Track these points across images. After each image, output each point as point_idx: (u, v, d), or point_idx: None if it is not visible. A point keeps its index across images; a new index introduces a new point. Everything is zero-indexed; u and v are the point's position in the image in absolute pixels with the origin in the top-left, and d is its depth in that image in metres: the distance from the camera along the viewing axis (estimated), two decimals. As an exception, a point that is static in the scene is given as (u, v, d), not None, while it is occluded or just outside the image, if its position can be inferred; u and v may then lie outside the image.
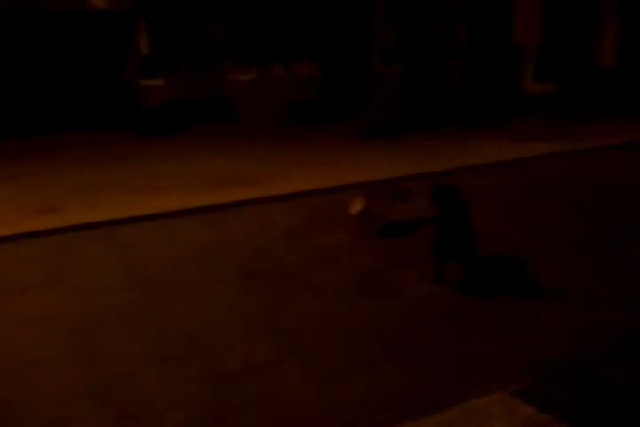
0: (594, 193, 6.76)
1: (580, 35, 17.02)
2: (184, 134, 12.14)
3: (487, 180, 7.58)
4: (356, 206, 5.74)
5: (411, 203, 5.74)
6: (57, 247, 5.73)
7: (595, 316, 3.87)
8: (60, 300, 4.52)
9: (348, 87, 14.85)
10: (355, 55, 15.07)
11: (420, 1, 15.34)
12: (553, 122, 11.99)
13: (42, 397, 3.27)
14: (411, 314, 4.03)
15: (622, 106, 13.67)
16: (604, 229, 5.52)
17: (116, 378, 3.42)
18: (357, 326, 3.90)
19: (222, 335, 3.85)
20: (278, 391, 3.23)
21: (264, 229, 6.00)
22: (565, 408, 2.98)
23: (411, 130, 11.57)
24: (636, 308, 3.95)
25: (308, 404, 3.11)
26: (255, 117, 13.71)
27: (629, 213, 6.00)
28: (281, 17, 14.52)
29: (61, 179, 8.37)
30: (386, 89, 14.77)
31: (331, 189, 7.37)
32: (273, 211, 6.65)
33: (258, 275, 4.79)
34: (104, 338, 3.90)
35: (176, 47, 13.80)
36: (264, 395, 3.20)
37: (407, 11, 15.20)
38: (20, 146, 11.03)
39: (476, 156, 8.82)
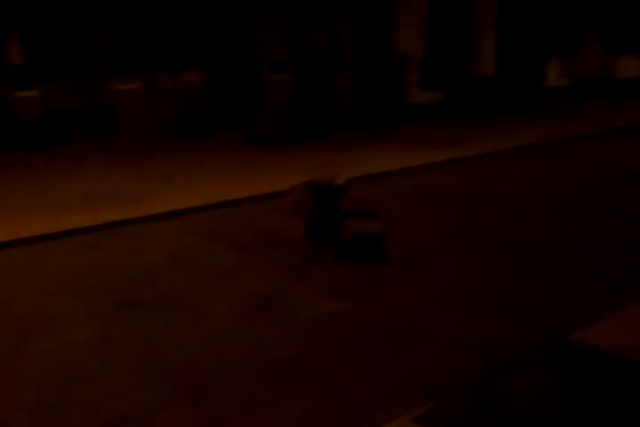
0: (487, 199, 6.87)
1: (462, 45, 17.66)
2: (61, 148, 11.39)
3: (381, 189, 7.55)
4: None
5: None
6: None
7: (488, 328, 3.82)
8: None
9: (238, 96, 14.57)
10: (243, 64, 14.80)
11: (308, 12, 15.34)
12: (440, 129, 12.28)
13: None
14: (304, 338, 3.80)
15: (502, 111, 14.39)
16: (499, 236, 5.57)
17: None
18: (249, 355, 3.62)
19: (99, 377, 3.46)
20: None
21: (147, 253, 5.58)
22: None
23: (303, 139, 11.45)
24: (529, 317, 3.94)
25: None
26: (139, 129, 13.14)
27: (523, 218, 6.12)
28: (166, 24, 14.01)
29: None
30: (277, 98, 14.64)
31: (219, 205, 7.06)
32: (157, 231, 6.24)
33: (139, 305, 4.41)
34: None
35: (52, 56, 12.98)
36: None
37: (295, 21, 15.15)
38: None
39: (369, 165, 8.79)
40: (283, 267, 5.05)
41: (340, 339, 3.76)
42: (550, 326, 3.80)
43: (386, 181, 7.96)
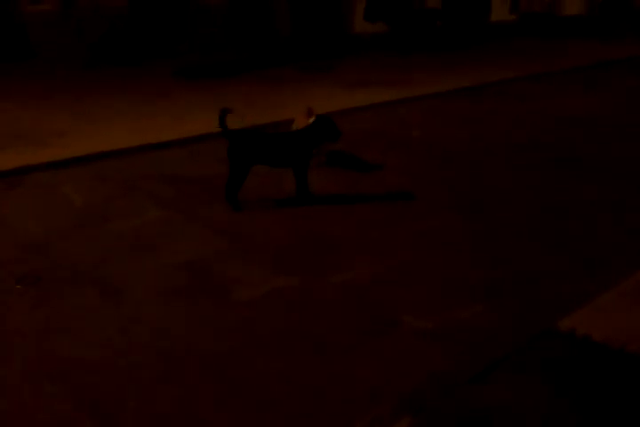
0: (439, 145, 6.21)
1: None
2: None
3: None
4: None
5: None
6: None
7: (460, 311, 3.23)
8: None
9: (164, 20, 13.17)
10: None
11: None
12: (384, 65, 11.42)
13: None
14: (240, 326, 3.10)
15: (447, 46, 13.72)
16: (456, 189, 4.95)
17: None
18: (171, 350, 2.90)
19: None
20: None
21: (50, 210, 4.64)
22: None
23: (237, 72, 10.40)
24: (506, 297, 3.37)
25: None
26: (55, 55, 11.72)
27: (477, 166, 5.51)
28: None
29: None
30: (209, 24, 13.35)
31: (138, 149, 6.12)
32: (65, 181, 5.28)
33: (38, 278, 3.58)
34: None
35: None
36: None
37: None
38: None
39: (310, 104, 7.93)
40: (214, 227, 4.28)
41: (286, 328, 3.08)
42: (532, 308, 3.24)
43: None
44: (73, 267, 3.71)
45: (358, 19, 15.23)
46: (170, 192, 4.99)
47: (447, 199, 4.79)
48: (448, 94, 8.89)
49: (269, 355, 2.85)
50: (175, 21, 13.22)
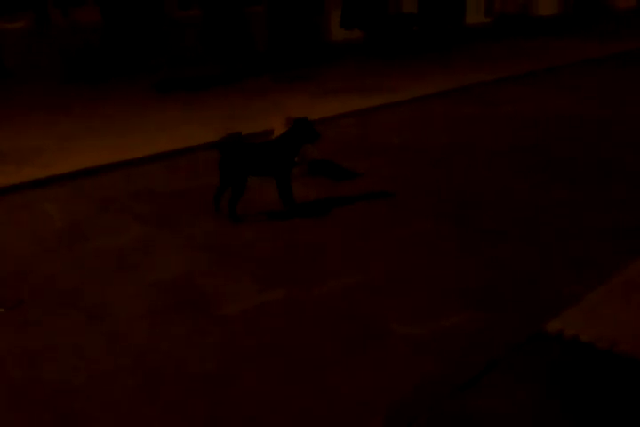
0: (419, 150, 6.22)
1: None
2: None
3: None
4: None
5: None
6: None
7: (447, 318, 3.21)
8: None
9: (138, 35, 13.14)
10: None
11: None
12: (361, 72, 11.45)
13: None
14: (227, 343, 3.06)
15: (423, 48, 13.80)
16: (437, 196, 4.95)
17: None
18: (158, 371, 2.86)
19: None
20: None
21: (29, 230, 4.59)
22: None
23: (215, 84, 10.38)
24: (492, 303, 3.36)
25: None
26: (28, 73, 11.64)
27: (458, 171, 5.52)
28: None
29: None
30: (185, 37, 13.35)
31: (115, 166, 6.07)
32: (45, 200, 5.22)
33: (21, 302, 3.52)
34: None
35: None
36: None
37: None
38: None
39: (286, 114, 7.93)
40: (197, 243, 4.25)
41: (274, 343, 3.05)
42: (523, 311, 3.23)
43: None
44: (56, 288, 3.66)
45: (334, 26, 15.31)
46: (151, 208, 4.95)
47: (433, 204, 4.78)
48: (428, 98, 8.93)
49: (258, 371, 2.82)
50: (150, 36, 13.20)
